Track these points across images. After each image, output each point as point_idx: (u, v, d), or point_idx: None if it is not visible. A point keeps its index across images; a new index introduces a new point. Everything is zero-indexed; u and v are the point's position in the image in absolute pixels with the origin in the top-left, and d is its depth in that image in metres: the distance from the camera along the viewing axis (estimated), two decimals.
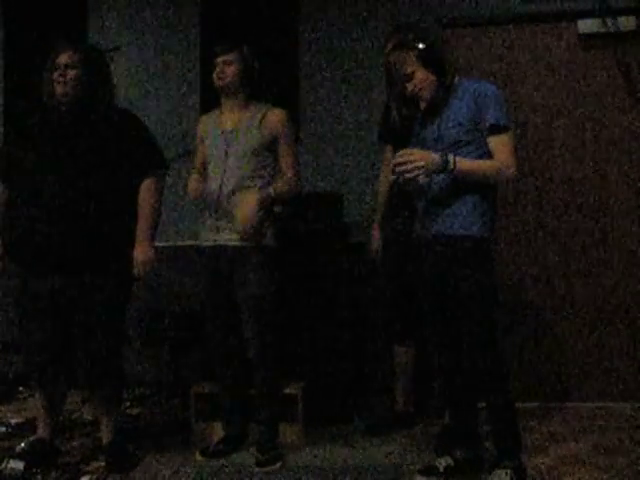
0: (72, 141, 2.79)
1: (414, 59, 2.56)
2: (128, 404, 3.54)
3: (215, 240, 2.97)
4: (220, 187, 2.96)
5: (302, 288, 3.40)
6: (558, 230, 3.81)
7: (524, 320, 3.79)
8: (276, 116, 3.01)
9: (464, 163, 2.48)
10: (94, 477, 2.73)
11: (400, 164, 2.44)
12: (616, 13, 3.72)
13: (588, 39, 3.81)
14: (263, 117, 2.99)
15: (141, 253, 2.81)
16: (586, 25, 3.78)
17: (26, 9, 4.36)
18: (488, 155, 2.54)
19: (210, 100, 3.28)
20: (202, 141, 3.11)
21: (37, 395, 2.91)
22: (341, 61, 4.10)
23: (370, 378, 3.71)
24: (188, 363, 3.80)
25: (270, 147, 2.99)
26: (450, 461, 2.69)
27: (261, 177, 2.98)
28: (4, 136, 4.34)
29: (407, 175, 2.44)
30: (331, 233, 3.49)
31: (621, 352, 3.73)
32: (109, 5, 4.33)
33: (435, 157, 2.45)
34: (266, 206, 2.93)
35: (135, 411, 3.61)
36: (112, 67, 3.01)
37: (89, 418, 3.38)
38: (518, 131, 3.74)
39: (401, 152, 2.47)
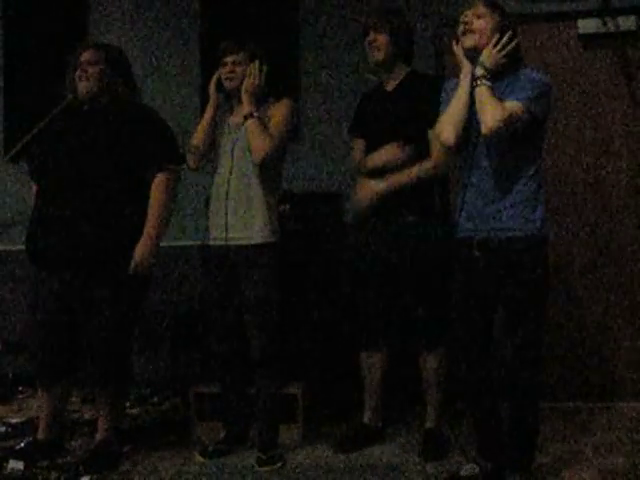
0: (92, 138, 2.85)
1: (496, 19, 2.50)
2: (128, 404, 3.54)
3: (225, 239, 2.96)
4: (228, 184, 2.96)
5: (302, 288, 3.40)
6: (558, 228, 3.80)
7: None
8: (279, 104, 3.01)
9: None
10: (94, 477, 2.73)
11: None
12: (616, 13, 3.72)
13: (588, 39, 3.81)
14: (268, 111, 2.99)
15: (138, 252, 2.82)
16: (586, 25, 3.77)
17: (26, 8, 4.36)
18: (539, 137, 2.49)
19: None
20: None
21: (40, 394, 2.92)
22: (341, 61, 4.10)
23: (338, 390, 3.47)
24: (188, 363, 3.81)
25: None
26: (476, 470, 2.59)
27: (269, 173, 2.96)
28: (4, 136, 4.35)
29: None
30: (331, 233, 3.49)
31: (621, 352, 3.73)
32: (109, 5, 4.33)
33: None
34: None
35: (135, 411, 3.61)
36: None
37: (89, 418, 3.38)
38: None
39: None
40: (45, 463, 2.82)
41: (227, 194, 2.95)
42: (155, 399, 3.79)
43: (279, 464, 2.86)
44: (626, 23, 3.73)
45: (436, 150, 2.88)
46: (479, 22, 2.49)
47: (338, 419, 3.35)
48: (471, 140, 2.53)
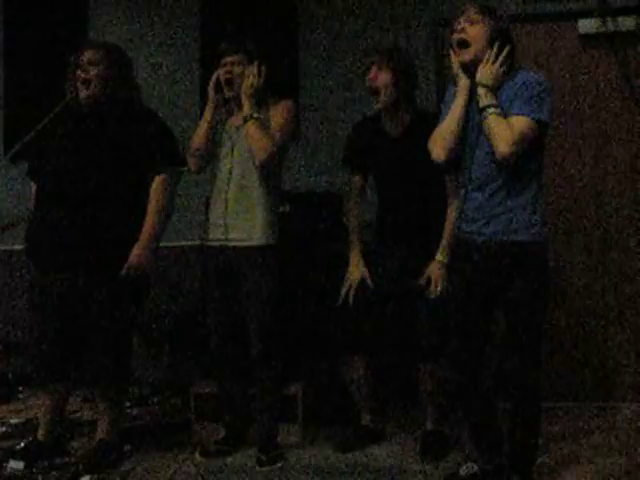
0: (91, 139, 2.85)
1: (489, 25, 2.46)
2: (128, 404, 3.54)
3: (224, 239, 2.96)
4: (227, 185, 2.95)
5: (302, 288, 3.40)
6: (558, 228, 3.80)
7: None
8: (280, 105, 3.00)
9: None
10: (94, 477, 2.73)
11: None
12: (616, 13, 3.72)
13: (588, 39, 3.80)
14: (267, 112, 2.99)
15: (134, 254, 2.81)
16: (586, 25, 3.77)
17: (26, 8, 4.36)
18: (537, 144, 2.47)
19: None
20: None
21: (40, 394, 2.93)
22: (341, 61, 4.09)
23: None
24: (188, 363, 3.80)
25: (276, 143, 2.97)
26: (475, 469, 2.60)
27: (269, 174, 2.96)
28: (4, 136, 4.35)
29: None
30: (331, 233, 3.48)
31: (622, 352, 3.73)
32: (109, 5, 4.33)
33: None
34: None
35: (135, 411, 3.61)
36: None
37: (89, 418, 3.38)
38: None
39: None
40: (45, 463, 2.82)
41: (227, 195, 2.95)
42: (155, 399, 3.78)
43: (279, 464, 2.86)
44: (626, 23, 3.73)
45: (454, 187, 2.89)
46: (472, 30, 2.45)
47: (338, 419, 3.35)
48: (470, 142, 2.51)
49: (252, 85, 2.91)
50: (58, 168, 2.85)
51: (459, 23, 2.47)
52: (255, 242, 2.92)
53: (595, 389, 3.73)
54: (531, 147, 2.43)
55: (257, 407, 3.02)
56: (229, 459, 2.95)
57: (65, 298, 2.82)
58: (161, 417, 3.54)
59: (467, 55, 2.46)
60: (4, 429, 3.24)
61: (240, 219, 2.93)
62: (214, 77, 3.00)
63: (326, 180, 4.02)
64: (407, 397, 3.47)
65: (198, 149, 2.98)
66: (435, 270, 2.92)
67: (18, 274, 4.14)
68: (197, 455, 2.97)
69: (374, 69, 2.95)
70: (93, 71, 2.85)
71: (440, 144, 2.49)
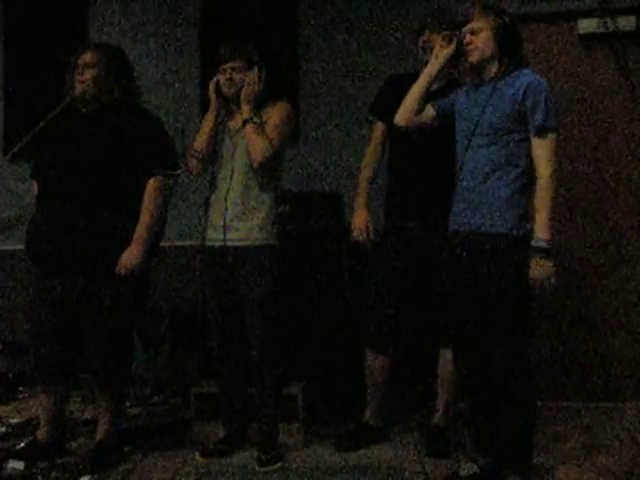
0: (89, 141, 2.85)
1: (490, 24, 2.53)
2: (128, 404, 3.54)
3: (224, 240, 2.96)
4: (228, 187, 2.96)
5: (302, 288, 3.40)
6: (558, 228, 3.80)
7: None
8: (275, 107, 3.01)
9: (544, 230, 2.42)
10: (94, 477, 2.73)
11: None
12: (616, 13, 3.72)
13: (588, 39, 3.81)
14: (265, 114, 2.99)
15: (126, 255, 2.81)
16: (586, 25, 3.77)
17: (26, 7, 4.36)
18: (528, 140, 2.49)
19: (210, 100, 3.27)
20: None
21: (41, 395, 2.92)
22: (341, 61, 4.10)
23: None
24: (188, 363, 3.80)
25: None
26: (475, 469, 2.60)
27: (269, 176, 2.97)
28: (4, 136, 4.35)
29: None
30: (331, 233, 3.49)
31: (623, 352, 3.73)
32: (109, 5, 4.33)
33: (540, 262, 2.40)
34: None
35: (135, 411, 3.61)
36: None
37: (89, 418, 3.38)
38: None
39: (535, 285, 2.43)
40: (45, 463, 2.82)
41: (227, 197, 2.96)
42: (155, 399, 3.79)
43: (279, 464, 2.86)
44: (626, 23, 3.73)
45: None
46: (478, 38, 2.54)
47: (338, 419, 3.35)
48: (463, 141, 2.58)
49: (252, 90, 2.93)
50: (57, 168, 2.85)
51: (465, 36, 2.58)
52: (254, 242, 2.93)
53: (595, 389, 3.73)
54: (521, 145, 2.50)
55: (257, 407, 3.02)
56: (229, 459, 2.94)
57: (65, 299, 2.82)
58: (161, 417, 3.54)
59: (474, 57, 2.57)
60: (4, 429, 3.24)
61: (239, 220, 2.94)
62: (213, 81, 3.01)
63: (326, 180, 4.02)
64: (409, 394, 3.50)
65: (200, 152, 2.99)
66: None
67: (18, 274, 4.14)
68: (197, 455, 2.97)
69: (427, 32, 2.99)
70: (89, 73, 2.85)
71: (401, 110, 2.74)
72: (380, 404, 3.14)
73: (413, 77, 2.98)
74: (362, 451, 3.00)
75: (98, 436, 2.92)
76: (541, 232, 2.42)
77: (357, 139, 4.04)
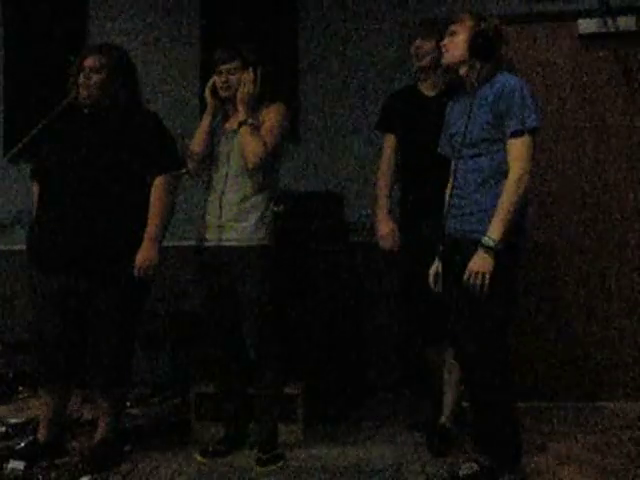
0: (92, 142, 2.85)
1: (465, 28, 2.57)
2: (128, 404, 3.54)
3: (219, 240, 2.97)
4: (224, 187, 2.97)
5: (302, 288, 3.40)
6: (558, 229, 3.81)
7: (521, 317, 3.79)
8: (271, 108, 3.01)
9: (496, 229, 2.41)
10: (94, 477, 2.73)
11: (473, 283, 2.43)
12: (616, 13, 3.72)
13: (588, 39, 3.81)
14: (262, 114, 3.00)
15: (141, 255, 2.82)
16: (586, 25, 3.78)
17: (26, 9, 4.36)
18: None
19: None
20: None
21: (41, 394, 2.93)
22: (341, 61, 4.10)
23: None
24: (188, 363, 3.81)
25: None
26: (475, 469, 2.59)
27: (265, 177, 2.98)
28: (4, 136, 4.35)
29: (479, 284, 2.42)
30: (331, 233, 3.49)
31: (620, 352, 3.73)
32: (109, 5, 4.33)
33: (482, 256, 2.41)
34: None
35: (135, 411, 3.61)
36: None
37: (89, 418, 3.38)
38: None
39: (466, 276, 2.44)
40: (45, 463, 2.82)
41: (222, 197, 2.97)
42: (155, 399, 3.79)
43: (279, 464, 2.86)
44: (626, 23, 3.74)
45: None
46: (450, 40, 2.59)
47: (338, 419, 3.36)
48: (454, 152, 2.62)
49: (248, 92, 2.93)
50: (60, 169, 2.85)
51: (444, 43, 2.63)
52: (249, 242, 2.93)
53: (593, 389, 3.73)
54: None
55: (257, 407, 3.02)
56: (229, 459, 2.95)
57: (68, 299, 2.82)
58: (161, 417, 3.54)
59: (446, 59, 2.62)
60: (4, 429, 3.24)
61: (235, 220, 2.95)
62: (210, 83, 3.02)
63: (326, 180, 4.03)
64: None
65: (197, 154, 3.01)
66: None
67: (18, 274, 4.15)
68: (197, 455, 2.97)
69: (419, 40, 3.07)
70: (95, 77, 2.85)
71: None
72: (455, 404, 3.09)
73: (412, 89, 3.17)
74: (362, 451, 3.00)
75: (98, 436, 2.92)
76: (492, 230, 2.41)
77: (357, 139, 4.05)
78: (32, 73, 4.28)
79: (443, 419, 3.08)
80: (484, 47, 2.54)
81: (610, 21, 3.73)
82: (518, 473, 2.54)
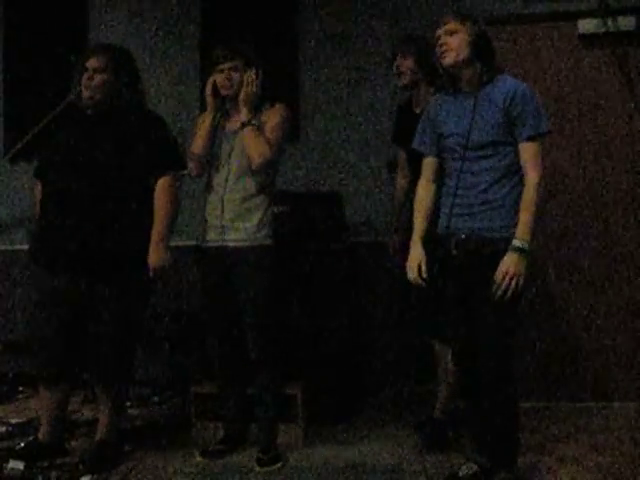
0: (95, 142, 2.85)
1: (466, 28, 2.53)
2: (128, 404, 3.54)
3: (220, 240, 2.97)
4: (225, 188, 2.97)
5: (302, 288, 3.40)
6: (558, 228, 3.80)
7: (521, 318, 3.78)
8: (273, 109, 3.01)
9: (525, 231, 2.42)
10: (94, 477, 2.73)
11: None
12: (616, 13, 3.72)
13: (588, 39, 3.81)
14: (263, 115, 2.99)
15: (154, 256, 2.83)
16: (586, 25, 3.78)
17: (26, 9, 4.36)
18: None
19: None
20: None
21: (42, 394, 2.92)
22: (341, 61, 4.10)
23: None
24: (188, 363, 3.81)
25: None
26: (475, 469, 2.59)
27: (266, 177, 2.98)
28: (4, 136, 4.35)
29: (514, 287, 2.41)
30: (331, 233, 3.49)
31: (619, 353, 3.73)
32: (109, 5, 4.33)
33: (514, 258, 2.40)
34: None
35: (135, 411, 3.61)
36: None
37: (89, 418, 3.38)
38: None
39: (499, 278, 2.42)
40: (45, 463, 2.82)
41: (224, 197, 2.96)
42: (155, 399, 3.79)
43: (279, 464, 2.86)
44: (626, 23, 3.73)
45: None
46: (453, 39, 2.53)
47: (338, 419, 3.36)
48: (462, 145, 2.57)
49: (250, 90, 2.93)
50: (64, 169, 2.85)
51: (439, 36, 2.56)
52: (252, 243, 2.93)
53: (594, 389, 3.73)
54: (514, 151, 2.51)
55: (257, 407, 3.02)
56: (229, 459, 2.95)
57: (71, 298, 2.82)
58: (161, 417, 3.54)
59: (449, 59, 2.54)
60: (4, 429, 3.24)
61: (237, 220, 2.95)
62: (210, 82, 3.01)
63: (326, 180, 4.03)
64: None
65: (199, 154, 3.00)
66: None
67: (18, 274, 4.15)
68: (197, 455, 2.97)
69: (399, 58, 3.12)
70: (98, 78, 2.85)
71: None
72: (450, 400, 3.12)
73: (410, 109, 3.19)
74: (362, 451, 3.00)
75: (98, 436, 2.92)
76: (522, 233, 2.43)
77: (357, 139, 4.05)
78: (32, 73, 4.28)
79: (436, 413, 3.10)
80: (487, 49, 2.54)
81: (610, 21, 3.72)
82: (514, 473, 2.54)
